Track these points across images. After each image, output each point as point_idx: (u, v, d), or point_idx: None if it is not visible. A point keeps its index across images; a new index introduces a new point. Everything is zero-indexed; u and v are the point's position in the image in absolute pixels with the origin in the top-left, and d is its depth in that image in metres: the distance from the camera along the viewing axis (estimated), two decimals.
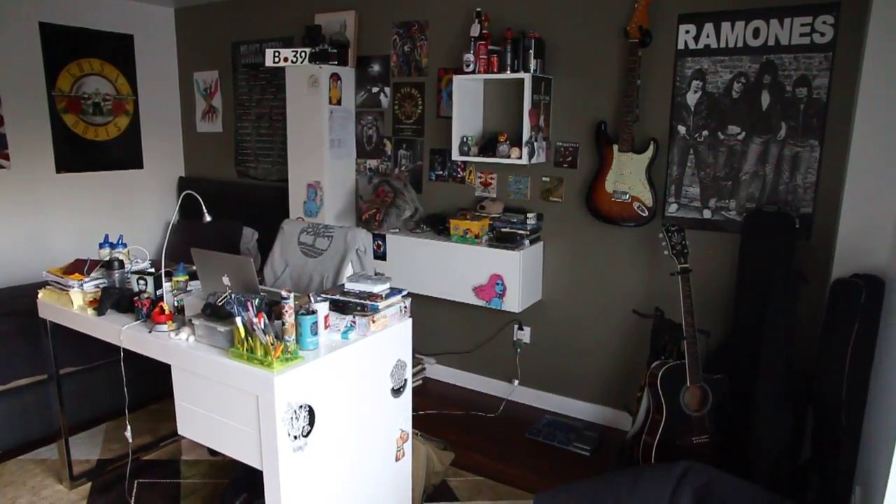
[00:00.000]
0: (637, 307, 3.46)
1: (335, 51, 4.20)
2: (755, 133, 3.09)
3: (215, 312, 2.19)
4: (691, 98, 3.23)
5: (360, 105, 4.42)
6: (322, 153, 4.20)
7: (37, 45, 4.65)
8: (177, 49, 5.55)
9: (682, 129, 3.28)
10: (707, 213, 3.27)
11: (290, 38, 4.69)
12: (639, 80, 3.29)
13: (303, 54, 4.15)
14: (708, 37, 3.14)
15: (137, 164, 5.36)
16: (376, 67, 4.30)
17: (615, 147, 3.37)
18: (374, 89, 4.33)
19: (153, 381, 3.16)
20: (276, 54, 4.21)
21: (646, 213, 3.34)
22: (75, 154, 4.94)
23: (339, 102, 4.26)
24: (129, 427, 2.64)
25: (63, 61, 4.80)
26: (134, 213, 5.36)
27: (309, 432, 2.08)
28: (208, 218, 2.58)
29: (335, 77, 4.22)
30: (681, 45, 3.22)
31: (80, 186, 5.01)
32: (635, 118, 3.31)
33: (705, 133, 3.22)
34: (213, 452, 3.29)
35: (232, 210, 4.70)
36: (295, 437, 2.03)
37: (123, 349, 2.43)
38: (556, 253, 3.77)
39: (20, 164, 4.63)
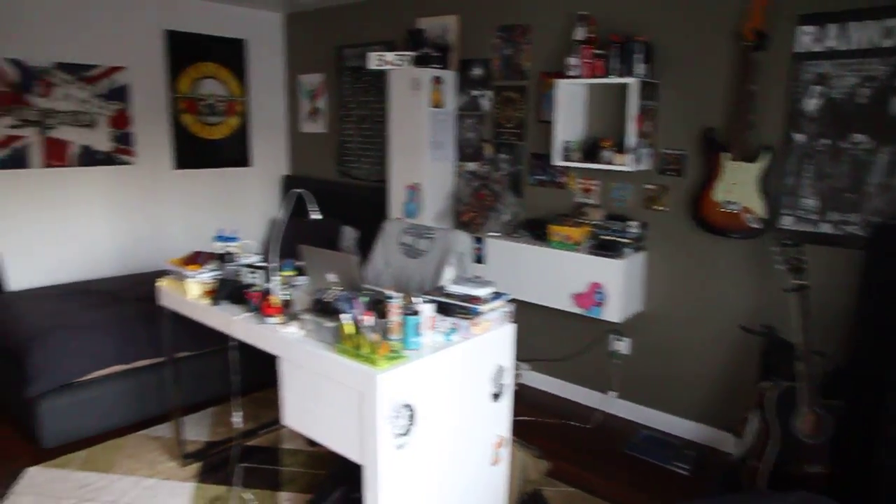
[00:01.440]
0: (744, 323, 3.30)
1: (437, 54, 4.26)
2: (884, 141, 2.89)
3: (323, 308, 2.25)
4: (810, 104, 3.05)
5: (460, 108, 4.45)
6: (422, 155, 4.26)
7: (162, 50, 4.96)
8: (285, 53, 5.77)
9: (799, 137, 3.11)
10: (826, 227, 3.08)
11: (392, 42, 4.79)
12: (753, 85, 3.14)
13: (405, 58, 4.23)
14: (832, 38, 2.96)
15: (246, 162, 5.63)
16: (478, 71, 4.32)
17: (726, 155, 3.23)
18: (475, 93, 4.35)
19: (258, 370, 3.30)
20: (379, 58, 4.30)
21: (757, 225, 3.19)
22: (191, 152, 5.24)
23: (440, 105, 4.30)
24: (238, 413, 2.75)
25: (183, 65, 5.11)
26: (239, 208, 5.62)
27: (409, 431, 2.11)
28: (318, 216, 2.66)
29: (437, 80, 4.27)
30: (800, 48, 3.05)
31: (194, 182, 5.31)
32: (749, 125, 3.17)
33: (826, 141, 3.04)
34: (312, 443, 3.40)
35: (332, 208, 4.82)
36: (396, 435, 2.06)
37: (232, 338, 2.54)
38: (660, 263, 3.66)
39: (144, 161, 4.98)
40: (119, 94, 4.77)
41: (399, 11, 4.73)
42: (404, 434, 2.09)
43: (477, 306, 2.34)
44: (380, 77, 4.83)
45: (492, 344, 2.43)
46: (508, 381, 2.56)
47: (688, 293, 3.57)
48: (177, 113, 5.12)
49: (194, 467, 3.21)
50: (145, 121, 4.94)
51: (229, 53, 5.39)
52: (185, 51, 5.11)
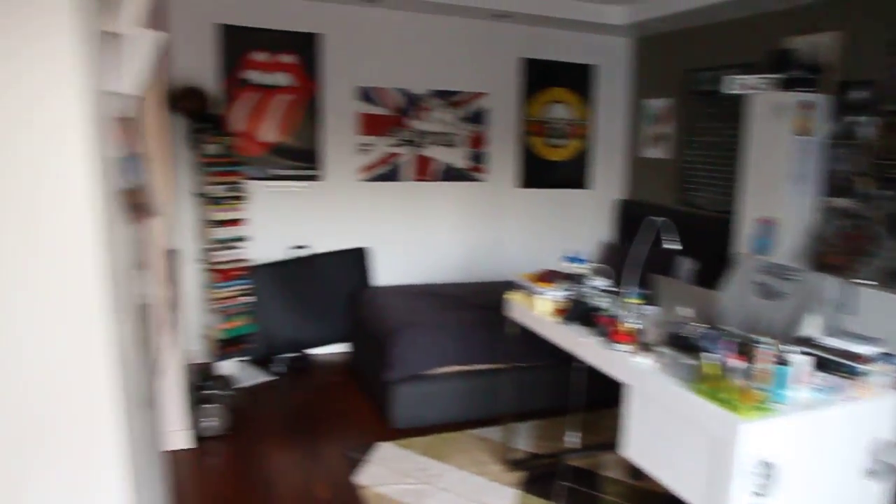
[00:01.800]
0: None
1: (808, 76, 3.85)
2: None
3: (681, 343, 2.18)
4: None
5: (831, 136, 3.97)
6: (780, 187, 3.89)
7: (517, 77, 5.38)
8: (630, 77, 5.79)
9: None
10: None
11: (750, 65, 4.46)
12: None
13: (769, 80, 3.91)
14: None
15: (583, 184, 5.78)
16: (860, 94, 3.80)
17: None
18: (853, 119, 3.84)
19: (588, 392, 3.35)
20: (738, 81, 4.04)
21: None
22: (534, 172, 5.57)
23: (806, 133, 3.89)
24: (575, 433, 2.80)
25: (535, 90, 5.45)
26: (572, 228, 5.78)
27: (767, 492, 1.93)
28: (677, 246, 2.59)
29: (805, 105, 3.86)
30: None
31: (533, 201, 5.62)
32: None
33: None
34: (635, 476, 3.32)
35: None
36: (752, 494, 1.90)
37: (576, 359, 2.59)
38: None
39: (492, 178, 5.43)
40: (478, 118, 5.27)
41: (761, 31, 4.40)
42: (761, 494, 1.92)
43: (861, 366, 2.05)
44: (734, 101, 4.55)
45: (874, 412, 2.11)
46: (890, 460, 2.19)
47: None
48: (525, 134, 5.47)
49: (518, 475, 3.35)
50: (498, 141, 5.39)
51: (578, 78, 5.59)
52: (538, 77, 5.43)
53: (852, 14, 3.84)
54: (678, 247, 2.59)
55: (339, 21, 4.73)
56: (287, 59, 4.65)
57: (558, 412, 3.83)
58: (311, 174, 4.84)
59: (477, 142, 5.31)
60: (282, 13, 4.58)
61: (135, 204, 2.12)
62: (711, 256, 4.28)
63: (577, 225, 5.80)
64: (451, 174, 5.28)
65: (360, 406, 4.10)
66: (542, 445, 3.67)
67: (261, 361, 4.55)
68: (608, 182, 5.88)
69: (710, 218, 4.80)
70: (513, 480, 3.30)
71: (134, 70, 1.99)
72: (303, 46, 4.68)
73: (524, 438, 3.72)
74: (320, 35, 4.70)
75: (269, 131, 4.69)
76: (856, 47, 3.84)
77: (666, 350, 2.20)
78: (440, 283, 5.11)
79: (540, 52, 5.41)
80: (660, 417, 2.17)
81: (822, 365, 2.11)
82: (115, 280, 1.68)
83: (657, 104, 5.47)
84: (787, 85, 3.87)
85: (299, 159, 4.79)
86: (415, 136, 5.10)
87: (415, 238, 5.25)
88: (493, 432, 3.75)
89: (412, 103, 5.04)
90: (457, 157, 5.27)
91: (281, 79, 4.66)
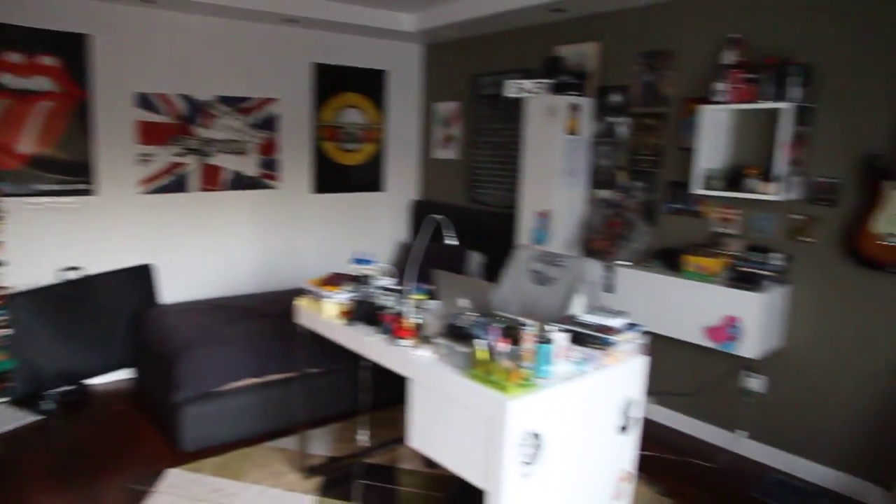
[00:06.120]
0: None
1: (575, 81, 4.23)
2: None
3: (457, 333, 2.27)
4: None
5: (595, 135, 4.39)
6: (555, 182, 4.23)
7: (309, 82, 5.30)
8: (421, 82, 5.97)
9: None
10: None
11: (529, 70, 4.81)
12: None
13: (542, 85, 4.24)
14: None
15: (379, 186, 5.85)
16: (616, 98, 4.25)
17: (890, 183, 2.96)
18: (612, 119, 4.28)
19: (379, 390, 3.38)
20: (516, 85, 4.34)
21: None
22: (328, 177, 5.53)
23: (575, 132, 4.27)
24: (364, 431, 2.82)
25: (328, 95, 5.41)
26: (370, 231, 5.84)
27: (536, 459, 2.07)
28: (454, 242, 2.70)
29: (573, 107, 4.23)
30: None
31: (329, 206, 5.58)
32: None
33: None
34: (430, 465, 3.42)
35: (460, 233, 4.86)
36: (522, 463, 2.03)
37: (364, 358, 2.61)
38: (805, 297, 3.40)
39: (286, 185, 5.30)
40: (269, 124, 5.13)
41: (537, 40, 4.76)
42: (530, 462, 2.06)
43: (610, 337, 2.27)
44: (514, 104, 4.87)
45: (623, 376, 2.35)
46: (637, 415, 2.46)
47: (836, 331, 3.29)
48: (319, 140, 5.42)
49: (316, 481, 3.31)
50: (290, 147, 5.27)
51: (370, 83, 5.66)
52: (330, 82, 5.41)
53: (607, 27, 4.28)
54: (455, 242, 2.70)
55: (110, 21, 4.35)
56: (48, 61, 4.18)
57: (355, 414, 3.85)
58: (83, 188, 4.40)
59: (268, 149, 5.17)
60: (40, 9, 4.10)
61: None
62: (498, 250, 4.54)
63: (375, 227, 5.87)
64: (242, 182, 5.08)
65: (147, 434, 3.79)
66: (339, 448, 3.65)
67: (25, 400, 3.99)
68: (403, 184, 6.01)
69: (496, 214, 5.08)
70: (310, 487, 3.25)
71: None
72: (67, 48, 4.23)
73: (321, 444, 3.68)
74: (88, 36, 4.29)
75: (28, 142, 4.19)
76: (611, 57, 4.28)
77: (443, 341, 2.28)
78: (232, 296, 4.88)
79: (332, 57, 5.39)
80: (439, 406, 2.24)
81: (581, 340, 2.31)
82: None
83: (447, 107, 5.70)
84: (558, 89, 4.22)
85: (67, 172, 4.33)
86: (201, 145, 4.84)
87: (205, 251, 4.97)
88: (289, 442, 3.67)
89: (197, 110, 4.78)
90: (247, 165, 5.09)
91: (41, 83, 4.18)
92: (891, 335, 3.10)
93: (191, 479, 3.30)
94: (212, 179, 4.93)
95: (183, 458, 3.48)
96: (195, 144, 4.81)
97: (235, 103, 4.94)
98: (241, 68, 4.94)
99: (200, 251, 4.95)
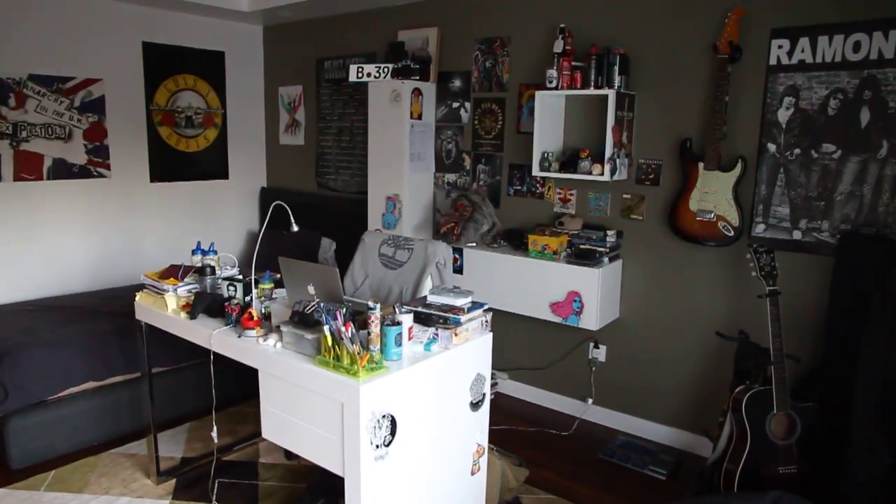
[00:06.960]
0: (720, 329, 3.35)
1: (417, 66, 4.28)
2: (852, 151, 2.96)
3: (302, 320, 2.25)
4: (783, 115, 3.12)
5: (440, 120, 4.48)
6: (402, 166, 4.28)
7: (139, 63, 4.94)
8: (264, 65, 5.77)
9: (771, 147, 3.17)
10: (797, 235, 3.14)
11: (373, 55, 4.81)
12: (727, 96, 3.21)
13: (385, 70, 4.25)
14: (803, 52, 3.04)
15: (224, 174, 5.60)
16: (457, 83, 4.35)
17: (701, 165, 3.29)
18: (455, 104, 4.39)
19: (234, 385, 3.27)
20: (360, 70, 4.33)
21: (731, 233, 3.25)
22: (168, 164, 5.21)
23: (419, 117, 4.33)
24: (215, 428, 2.74)
25: (161, 77, 5.08)
26: (217, 221, 5.58)
27: (390, 442, 2.11)
28: (295, 228, 2.66)
29: (417, 92, 4.29)
30: (773, 61, 3.12)
31: (171, 195, 5.26)
32: (723, 135, 3.23)
33: (797, 151, 3.11)
34: (289, 457, 3.37)
35: (311, 220, 4.82)
36: (377, 446, 2.06)
37: (212, 352, 2.52)
38: (636, 271, 3.70)
39: (119, 174, 4.92)
40: (95, 107, 4.73)
41: (380, 24, 4.75)
42: (385, 445, 2.09)
43: (457, 316, 2.35)
44: (360, 89, 4.85)
45: (471, 353, 2.44)
46: (487, 390, 2.57)
47: (663, 300, 3.62)
48: (153, 125, 5.09)
49: (170, 484, 3.17)
50: (121, 133, 4.89)
51: (208, 65, 5.37)
52: (163, 63, 5.08)
53: (446, 13, 4.36)
54: (296, 228, 2.66)
55: None
56: None
57: (209, 411, 3.69)
58: None
59: (96, 134, 4.77)
60: None
61: None
62: (351, 236, 4.51)
63: (222, 217, 5.62)
64: (67, 171, 4.65)
65: None
66: (194, 448, 3.51)
67: None
68: (250, 171, 5.80)
69: (347, 199, 5.05)
70: (164, 491, 3.10)
71: None
72: None
73: (174, 445, 3.52)
74: None
75: None
76: (451, 42, 4.37)
77: (289, 329, 2.25)
78: (65, 295, 4.51)
79: (164, 36, 5.05)
80: (291, 395, 2.22)
81: (429, 321, 2.37)
82: None
83: (292, 91, 5.55)
84: (402, 73, 4.24)
85: None
86: (13, 129, 4.37)
87: (27, 248, 4.51)
88: (138, 447, 3.47)
89: (6, 90, 4.30)
90: (73, 152, 4.67)
91: None
92: (710, 301, 3.46)
93: (22, 498, 3.02)
94: (30, 167, 4.47)
95: (11, 476, 3.18)
96: (5, 128, 4.33)
97: (53, 83, 4.50)
98: (60, 45, 4.50)
99: (22, 248, 4.48)
